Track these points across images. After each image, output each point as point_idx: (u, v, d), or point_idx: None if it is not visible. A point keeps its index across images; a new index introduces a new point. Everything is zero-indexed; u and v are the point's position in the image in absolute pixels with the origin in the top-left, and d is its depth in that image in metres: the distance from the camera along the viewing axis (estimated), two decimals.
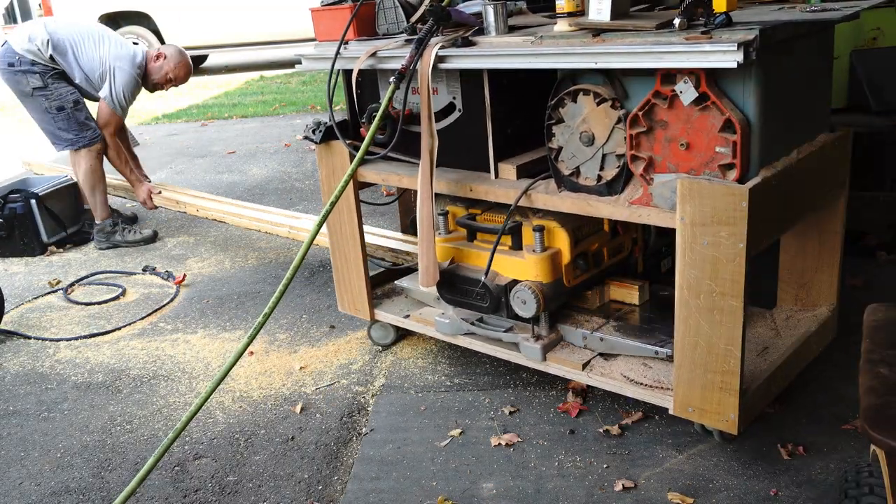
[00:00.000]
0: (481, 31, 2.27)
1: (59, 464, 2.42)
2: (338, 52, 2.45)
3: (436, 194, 2.34)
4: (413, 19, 2.42)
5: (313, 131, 2.65)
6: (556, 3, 2.12)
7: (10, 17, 15.40)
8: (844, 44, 3.25)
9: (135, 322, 3.38)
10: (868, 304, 1.74)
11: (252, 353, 3.00)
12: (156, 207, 4.38)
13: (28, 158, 5.47)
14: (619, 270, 2.53)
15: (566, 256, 2.31)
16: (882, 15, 3.29)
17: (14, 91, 4.09)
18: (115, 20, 10.00)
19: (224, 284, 3.71)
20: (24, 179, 4.64)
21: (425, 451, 2.32)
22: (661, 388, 2.19)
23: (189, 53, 4.42)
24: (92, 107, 4.22)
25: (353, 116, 2.67)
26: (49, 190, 4.35)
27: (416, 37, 2.26)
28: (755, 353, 2.31)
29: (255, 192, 5.16)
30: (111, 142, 4.19)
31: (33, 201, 4.23)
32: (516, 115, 2.34)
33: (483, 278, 2.37)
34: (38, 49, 3.95)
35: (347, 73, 2.54)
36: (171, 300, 3.56)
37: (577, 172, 2.14)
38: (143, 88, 4.22)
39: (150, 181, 4.51)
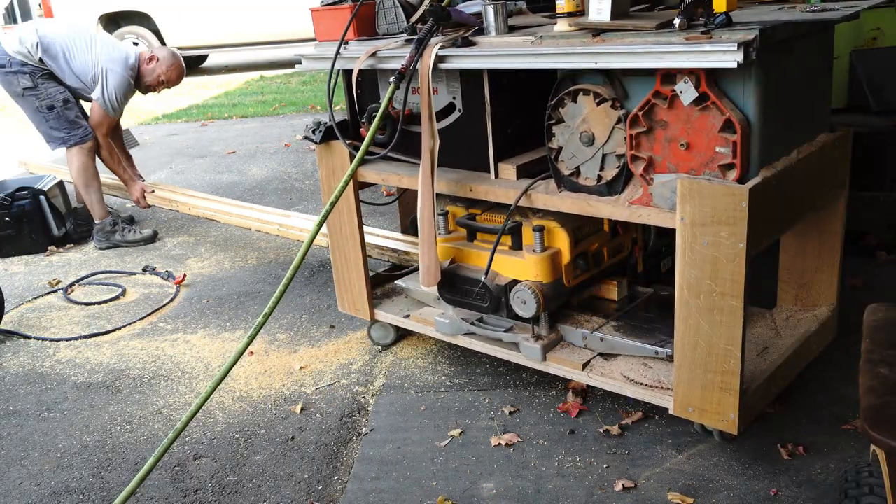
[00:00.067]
0: (481, 31, 2.27)
1: (59, 464, 2.42)
2: (338, 52, 2.45)
3: (436, 194, 2.34)
4: (413, 19, 2.42)
5: (313, 131, 2.65)
6: (556, 3, 2.12)
7: (10, 17, 15.40)
8: (844, 44, 3.25)
9: (135, 322, 3.38)
10: (868, 304, 1.75)
11: (252, 353, 3.00)
12: (149, 206, 4.44)
13: (24, 158, 5.48)
14: (620, 270, 2.53)
15: (566, 256, 2.31)
16: (882, 15, 3.29)
17: (7, 92, 4.15)
18: (115, 20, 10.00)
19: (224, 284, 3.71)
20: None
21: (425, 451, 2.32)
22: (661, 388, 2.19)
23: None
24: (87, 107, 4.25)
25: (353, 116, 2.67)
26: (52, 186, 4.42)
27: (416, 37, 2.26)
28: (755, 353, 2.31)
29: (255, 192, 5.16)
30: (104, 142, 4.23)
31: (42, 197, 4.26)
32: (516, 115, 2.34)
33: (483, 278, 2.37)
34: (28, 51, 4.00)
35: (347, 73, 2.54)
36: (171, 300, 3.56)
37: (577, 172, 2.14)
38: (135, 90, 4.25)
39: (143, 180, 4.55)
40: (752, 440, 2.22)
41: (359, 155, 2.36)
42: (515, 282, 2.34)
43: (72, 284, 3.83)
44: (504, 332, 2.49)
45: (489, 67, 2.19)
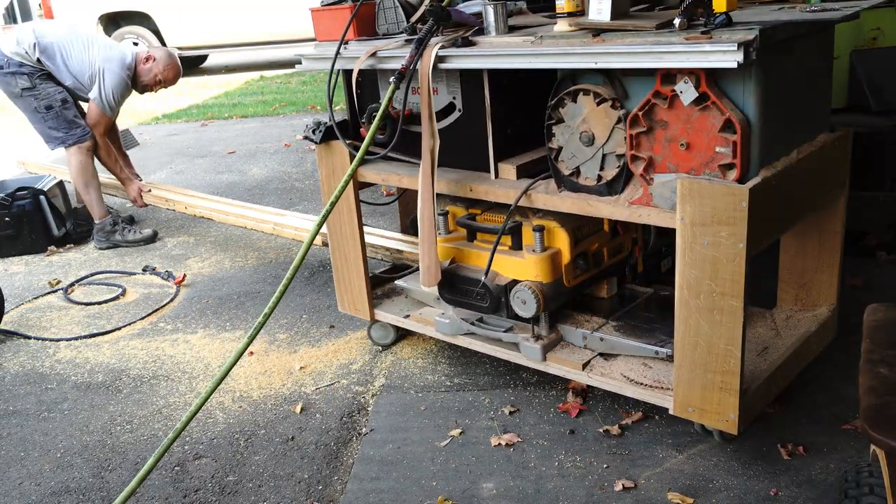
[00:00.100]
0: (481, 31, 2.27)
1: (59, 464, 2.42)
2: (338, 52, 2.45)
3: (436, 194, 2.34)
4: (413, 19, 2.42)
5: (313, 131, 2.65)
6: (556, 3, 2.12)
7: (10, 17, 15.41)
8: (844, 44, 3.25)
9: (135, 322, 3.38)
10: (868, 304, 1.75)
11: (252, 353, 3.00)
12: (146, 205, 4.48)
13: (23, 158, 5.48)
14: (620, 270, 2.53)
15: (566, 256, 2.31)
16: (882, 15, 3.29)
17: (5, 93, 4.17)
18: (115, 20, 10.00)
19: (224, 284, 3.71)
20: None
21: (425, 451, 2.32)
22: (661, 388, 2.19)
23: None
24: (84, 108, 4.27)
25: (353, 116, 2.67)
26: (52, 185, 4.43)
27: (416, 37, 2.26)
28: (755, 353, 2.31)
29: (255, 192, 5.16)
30: (101, 141, 4.27)
31: (42, 197, 4.27)
32: (516, 115, 2.34)
33: (483, 278, 2.37)
34: (26, 52, 4.03)
35: (347, 73, 2.54)
36: (171, 300, 3.57)
37: (577, 172, 2.14)
38: (132, 90, 4.28)
39: (140, 179, 4.58)
40: (752, 440, 2.22)
41: (359, 155, 2.36)
42: (515, 282, 2.34)
43: (72, 284, 3.83)
44: (504, 332, 2.49)
45: (489, 67, 2.19)
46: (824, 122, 2.28)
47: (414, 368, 2.78)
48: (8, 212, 4.21)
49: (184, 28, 9.72)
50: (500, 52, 2.11)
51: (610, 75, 2.02)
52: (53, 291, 3.78)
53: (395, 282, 2.93)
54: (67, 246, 4.38)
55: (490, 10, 2.22)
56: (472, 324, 2.55)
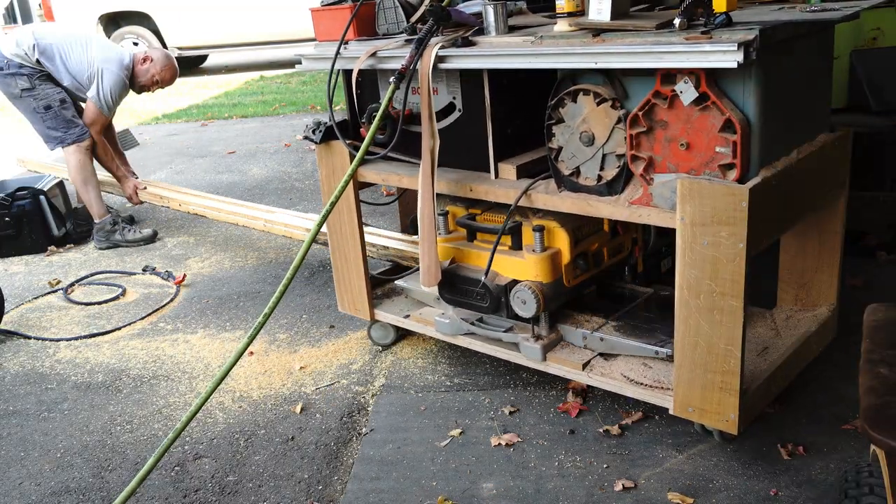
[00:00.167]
0: (481, 31, 2.27)
1: (59, 464, 2.42)
2: (338, 52, 2.45)
3: (436, 194, 2.34)
4: (413, 19, 2.42)
5: (313, 131, 2.65)
6: (556, 3, 2.12)
7: (10, 18, 15.42)
8: (844, 44, 3.25)
9: (135, 322, 3.38)
10: (868, 304, 1.74)
11: (252, 353, 3.00)
12: (142, 202, 4.54)
13: (23, 156, 5.48)
14: (620, 271, 2.53)
15: (566, 256, 2.31)
16: (882, 15, 3.29)
17: (5, 93, 4.21)
18: (115, 20, 10.00)
19: (224, 284, 3.71)
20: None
21: (425, 451, 2.32)
22: (661, 388, 2.18)
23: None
24: (82, 108, 4.30)
25: (353, 116, 2.67)
26: (52, 185, 4.44)
27: (416, 37, 2.26)
28: (755, 353, 2.31)
29: (255, 192, 5.16)
30: (98, 139, 4.32)
31: (42, 197, 4.28)
32: (516, 115, 2.34)
33: (483, 278, 2.37)
34: (25, 53, 4.07)
35: (347, 73, 2.54)
36: (171, 300, 3.57)
37: (577, 172, 2.14)
38: (129, 90, 4.31)
39: (136, 177, 4.61)
40: (752, 440, 2.22)
41: (359, 155, 2.36)
42: (515, 282, 2.34)
43: (72, 284, 3.83)
44: (504, 332, 2.49)
45: (489, 67, 2.19)
46: (824, 122, 2.28)
47: (414, 368, 2.78)
48: (8, 212, 4.22)
49: (184, 28, 9.73)
50: (500, 52, 2.11)
51: (610, 75, 2.02)
52: (53, 291, 3.78)
53: (395, 282, 2.93)
54: (67, 246, 4.39)
55: (490, 10, 2.22)
56: (472, 324, 2.55)
